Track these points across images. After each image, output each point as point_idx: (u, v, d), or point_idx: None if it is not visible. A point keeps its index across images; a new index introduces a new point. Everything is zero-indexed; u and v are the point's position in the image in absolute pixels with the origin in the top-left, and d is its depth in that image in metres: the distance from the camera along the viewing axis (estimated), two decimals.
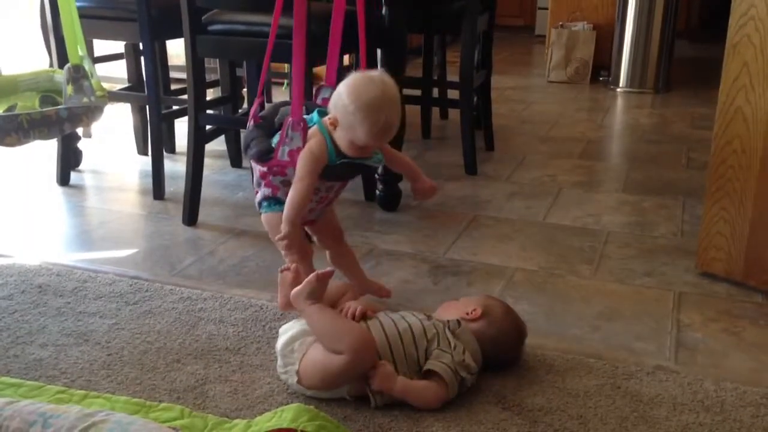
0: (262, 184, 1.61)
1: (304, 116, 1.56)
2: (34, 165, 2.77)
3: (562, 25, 4.74)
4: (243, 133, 1.66)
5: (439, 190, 1.66)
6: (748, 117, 1.74)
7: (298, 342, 1.35)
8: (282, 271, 1.43)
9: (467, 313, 1.41)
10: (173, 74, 3.05)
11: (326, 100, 1.61)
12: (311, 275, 1.35)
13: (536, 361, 1.46)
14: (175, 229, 2.19)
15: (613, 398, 1.36)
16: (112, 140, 3.15)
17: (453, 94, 3.04)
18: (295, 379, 1.33)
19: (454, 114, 3.44)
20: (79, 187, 2.59)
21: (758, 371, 1.47)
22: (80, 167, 2.76)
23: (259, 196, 1.63)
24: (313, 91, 1.71)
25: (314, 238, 1.74)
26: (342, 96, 1.46)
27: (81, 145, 2.76)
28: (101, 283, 1.80)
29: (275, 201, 1.60)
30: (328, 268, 1.38)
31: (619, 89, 4.45)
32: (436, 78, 3.25)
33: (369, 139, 1.46)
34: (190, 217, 2.21)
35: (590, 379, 1.42)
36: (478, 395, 1.35)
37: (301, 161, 1.50)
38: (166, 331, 1.58)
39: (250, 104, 2.65)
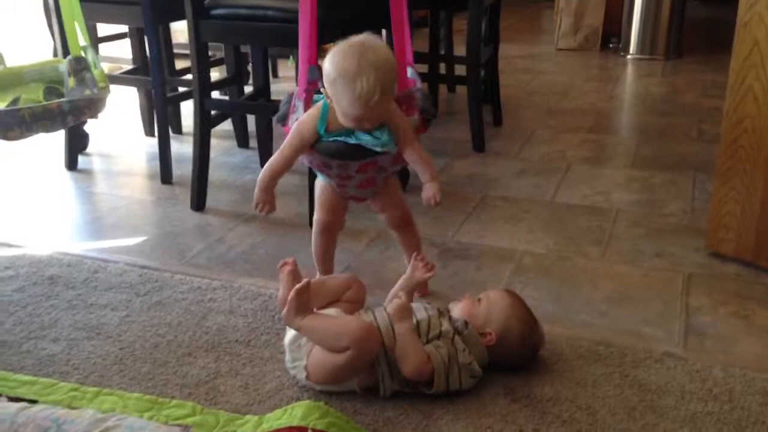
0: None
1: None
2: (42, 149, 2.77)
3: None
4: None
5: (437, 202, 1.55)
6: (759, 96, 1.71)
7: (305, 338, 1.36)
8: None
9: (482, 334, 1.38)
10: (177, 51, 3.01)
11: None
12: (291, 292, 1.31)
13: (545, 349, 1.46)
14: (183, 215, 2.19)
15: (621, 387, 1.37)
16: (119, 121, 3.14)
17: (460, 68, 3.00)
18: (304, 374, 1.34)
19: (462, 87, 3.40)
20: (87, 172, 2.60)
21: (766, 357, 1.47)
22: (87, 150, 2.76)
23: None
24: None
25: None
26: (325, 66, 1.44)
27: (87, 127, 2.76)
28: (112, 273, 1.81)
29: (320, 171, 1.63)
30: (304, 280, 1.34)
31: (629, 56, 4.40)
32: (443, 52, 3.21)
33: (353, 109, 1.42)
34: (198, 203, 2.21)
35: (598, 367, 1.42)
36: (487, 386, 1.36)
37: (290, 132, 1.54)
38: (176, 324, 1.59)
39: (256, 82, 2.64)
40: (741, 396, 1.34)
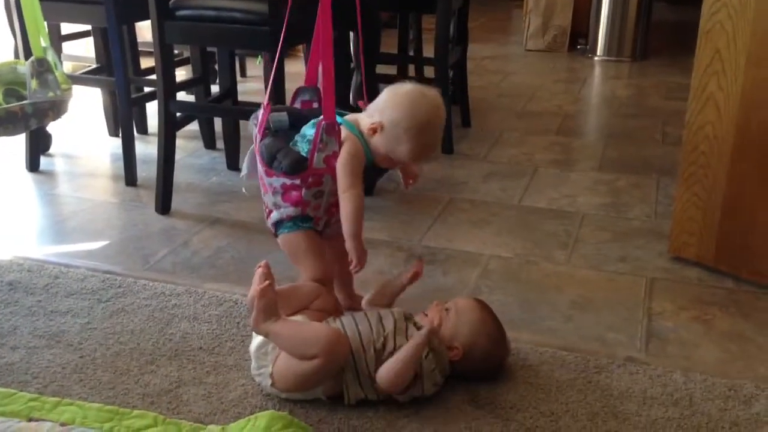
0: (286, 202, 1.47)
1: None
2: (2, 150, 2.71)
3: None
4: (252, 150, 1.53)
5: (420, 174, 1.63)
6: (720, 103, 1.74)
7: (271, 345, 1.35)
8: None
9: (448, 348, 1.37)
10: (143, 49, 2.95)
11: (306, 102, 1.56)
12: (252, 295, 1.29)
13: (511, 355, 1.47)
14: (148, 218, 2.16)
15: (584, 393, 1.38)
16: (82, 121, 3.08)
17: (429, 70, 3.00)
18: (269, 381, 1.33)
19: None
20: (50, 173, 2.55)
21: (726, 362, 1.50)
22: (50, 151, 2.71)
23: (277, 216, 1.49)
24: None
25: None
26: (396, 108, 1.41)
27: (50, 127, 2.70)
28: (73, 278, 1.78)
29: (302, 219, 1.48)
30: (266, 282, 1.30)
31: (596, 58, 4.44)
32: (411, 53, 3.21)
33: (409, 158, 1.44)
34: (163, 206, 2.18)
35: (562, 373, 1.44)
36: (452, 393, 1.37)
37: (347, 168, 1.40)
38: (139, 331, 1.57)
39: (222, 83, 2.60)
40: (701, 401, 1.36)
